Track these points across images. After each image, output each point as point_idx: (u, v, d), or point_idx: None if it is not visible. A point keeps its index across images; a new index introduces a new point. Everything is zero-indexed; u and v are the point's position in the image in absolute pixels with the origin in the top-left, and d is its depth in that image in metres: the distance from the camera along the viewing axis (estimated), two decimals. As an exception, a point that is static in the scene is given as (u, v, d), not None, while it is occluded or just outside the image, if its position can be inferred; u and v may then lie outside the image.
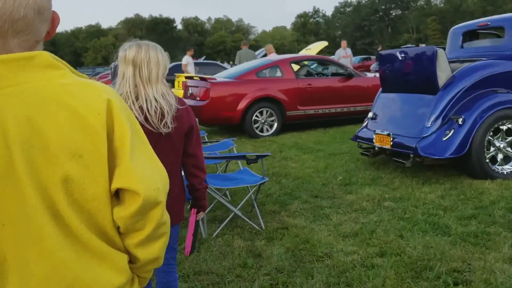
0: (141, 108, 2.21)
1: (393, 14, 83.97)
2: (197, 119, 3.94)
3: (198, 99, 8.99)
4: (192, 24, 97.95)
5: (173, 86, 14.99)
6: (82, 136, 1.03)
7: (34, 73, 1.03)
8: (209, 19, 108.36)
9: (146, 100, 2.22)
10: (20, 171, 0.98)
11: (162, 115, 2.21)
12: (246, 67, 9.84)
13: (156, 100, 2.22)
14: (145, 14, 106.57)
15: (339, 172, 6.07)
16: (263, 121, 9.07)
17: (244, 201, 4.31)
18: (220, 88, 8.90)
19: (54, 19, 1.14)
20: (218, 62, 21.36)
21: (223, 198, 4.91)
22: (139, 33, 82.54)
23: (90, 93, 1.07)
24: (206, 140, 6.30)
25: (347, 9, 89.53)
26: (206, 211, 2.87)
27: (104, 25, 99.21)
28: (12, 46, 1.03)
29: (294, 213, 4.58)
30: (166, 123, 2.21)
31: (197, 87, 9.23)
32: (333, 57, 15.00)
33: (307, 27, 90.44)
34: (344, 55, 15.15)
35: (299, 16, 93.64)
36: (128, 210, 1.07)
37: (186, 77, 10.44)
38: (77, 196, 1.03)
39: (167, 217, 1.17)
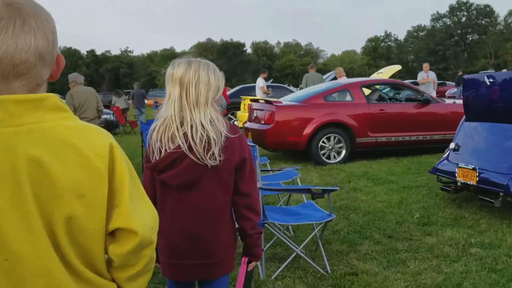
0: (185, 135, 1.85)
1: (470, 38, 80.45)
2: (256, 147, 3.58)
3: (263, 122, 8.65)
4: (261, 48, 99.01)
5: (239, 109, 14.87)
6: (86, 176, 1.08)
7: (43, 114, 1.08)
8: (278, 43, 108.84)
9: (191, 126, 1.85)
10: (30, 206, 1.02)
11: (209, 144, 1.83)
12: (314, 90, 9.41)
13: (203, 126, 1.85)
14: (217, 39, 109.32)
15: (416, 208, 5.43)
16: (330, 147, 8.55)
17: (308, 239, 3.83)
18: (285, 112, 8.50)
19: (59, 62, 1.17)
20: (285, 85, 21.07)
21: (285, 234, 4.46)
22: (210, 57, 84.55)
23: (94, 136, 1.13)
24: (268, 168, 5.89)
25: (421, 33, 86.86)
26: (259, 261, 2.43)
27: (178, 49, 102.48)
28: (15, 88, 1.06)
29: (364, 255, 4.03)
30: (213, 154, 1.83)
31: (262, 110, 8.90)
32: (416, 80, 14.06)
33: (378, 51, 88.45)
34: (425, 78, 14.00)
35: (370, 40, 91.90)
36: (125, 248, 1.12)
37: (252, 100, 10.16)
38: (76, 233, 1.08)
39: (155, 254, 1.24)
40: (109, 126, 16.74)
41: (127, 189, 1.12)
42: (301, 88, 13.97)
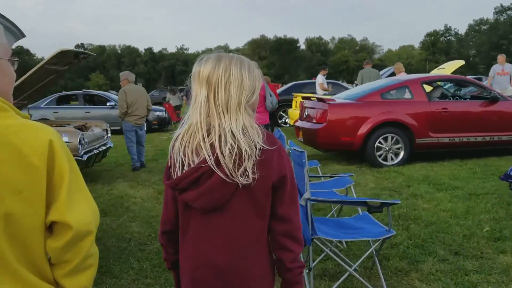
0: (212, 146, 1.49)
1: (537, 31, 75.87)
2: (304, 153, 3.17)
3: (314, 121, 8.20)
4: (315, 44, 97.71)
5: (290, 106, 14.46)
6: (24, 174, 1.11)
7: None
8: (333, 38, 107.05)
9: (220, 135, 1.49)
10: None
11: (240, 157, 1.46)
12: (370, 88, 8.85)
13: (233, 135, 1.48)
14: (270, 35, 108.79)
15: (485, 219, 4.85)
16: (387, 148, 7.99)
17: (363, 257, 3.38)
18: (339, 110, 8.01)
19: None
20: (340, 82, 20.42)
21: (337, 246, 4.05)
22: (264, 53, 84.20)
23: (34, 133, 1.15)
24: (320, 174, 5.44)
25: (483, 27, 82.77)
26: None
27: (232, 46, 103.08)
28: None
29: (428, 275, 3.55)
30: (246, 170, 1.46)
31: (314, 108, 8.45)
32: (490, 74, 12.70)
33: (437, 46, 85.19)
34: (500, 71, 12.39)
35: (429, 35, 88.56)
36: (60, 241, 1.15)
37: (303, 97, 9.73)
38: (14, 230, 1.10)
39: (95, 250, 1.23)
40: (162, 123, 16.84)
41: (66, 185, 1.15)
42: (356, 85, 13.38)
